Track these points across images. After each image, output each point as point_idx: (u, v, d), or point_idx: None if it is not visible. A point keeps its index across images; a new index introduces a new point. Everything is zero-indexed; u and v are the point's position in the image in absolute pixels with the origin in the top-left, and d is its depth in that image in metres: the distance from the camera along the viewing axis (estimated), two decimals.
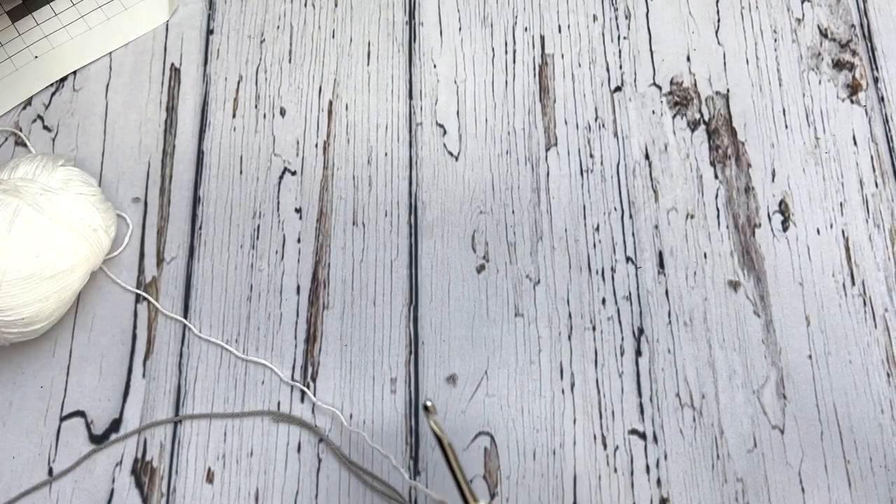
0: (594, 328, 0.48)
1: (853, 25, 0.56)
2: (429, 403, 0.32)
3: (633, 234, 0.50)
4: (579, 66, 0.54)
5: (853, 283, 0.49)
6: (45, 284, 0.42)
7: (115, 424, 0.45)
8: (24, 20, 0.54)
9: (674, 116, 0.53)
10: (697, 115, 0.53)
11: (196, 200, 0.51)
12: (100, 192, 0.46)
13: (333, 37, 0.55)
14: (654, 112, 0.53)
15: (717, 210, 0.51)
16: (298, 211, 0.51)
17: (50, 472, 0.44)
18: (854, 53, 0.55)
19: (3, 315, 0.42)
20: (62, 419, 0.45)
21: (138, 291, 0.48)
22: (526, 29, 0.55)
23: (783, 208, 0.51)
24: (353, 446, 0.45)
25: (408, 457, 0.45)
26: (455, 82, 0.54)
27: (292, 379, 0.46)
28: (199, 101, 0.53)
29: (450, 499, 0.41)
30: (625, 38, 0.55)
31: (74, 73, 0.54)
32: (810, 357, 0.48)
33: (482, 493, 0.44)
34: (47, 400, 0.46)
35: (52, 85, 0.53)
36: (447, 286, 0.49)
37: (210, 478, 0.44)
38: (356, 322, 0.48)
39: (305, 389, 0.46)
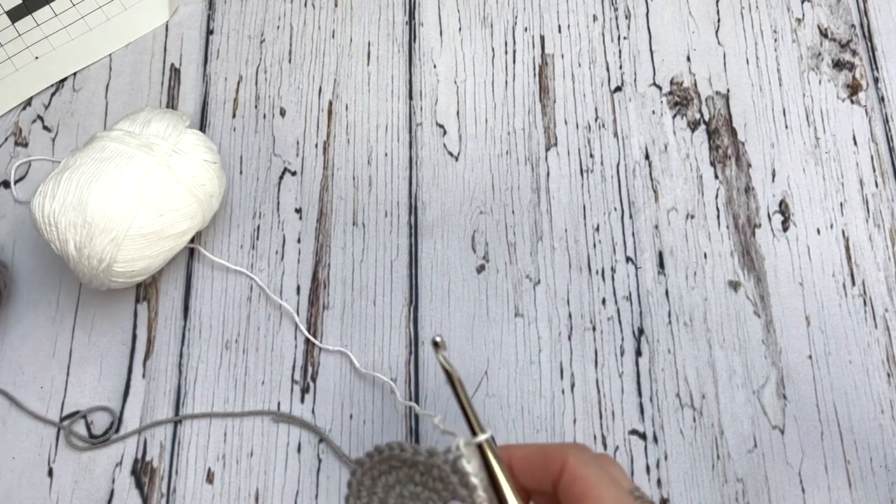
0: (594, 328, 0.48)
1: (853, 25, 0.56)
2: (438, 339, 0.32)
3: (633, 234, 0.50)
4: (579, 66, 0.54)
5: (853, 283, 0.49)
6: (160, 243, 0.44)
7: (115, 424, 0.45)
8: (24, 20, 0.54)
9: (674, 116, 0.53)
10: (697, 115, 0.53)
11: None
12: (219, 160, 0.47)
13: (333, 37, 0.55)
14: (654, 112, 0.53)
15: (717, 210, 0.51)
16: (298, 211, 0.51)
17: (50, 472, 0.44)
18: (854, 53, 0.55)
19: (118, 265, 0.43)
20: (62, 419, 0.45)
21: (241, 269, 0.48)
22: (526, 29, 0.55)
23: (783, 208, 0.51)
24: (353, 445, 0.45)
25: None
26: (455, 82, 0.54)
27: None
28: (199, 101, 0.53)
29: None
30: (625, 38, 0.55)
31: (74, 73, 0.54)
32: (810, 357, 0.48)
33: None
34: (47, 400, 0.46)
35: (52, 85, 0.53)
36: (447, 286, 0.49)
37: (210, 478, 0.44)
38: (356, 322, 0.48)
39: (419, 407, 0.46)
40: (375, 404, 0.46)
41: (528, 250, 0.50)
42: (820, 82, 0.54)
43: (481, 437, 0.31)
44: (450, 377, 0.33)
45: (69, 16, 0.54)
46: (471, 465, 0.31)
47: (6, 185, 0.51)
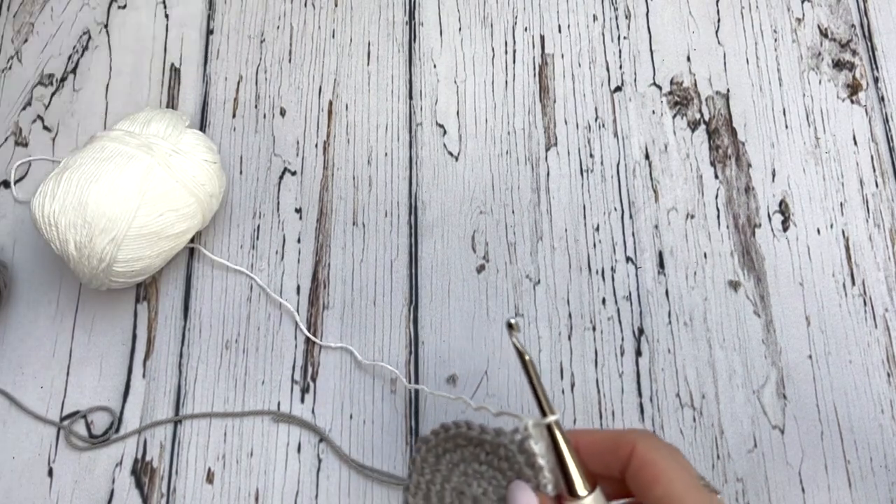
0: (594, 328, 0.48)
1: (853, 25, 0.56)
2: (513, 321, 0.32)
3: (633, 234, 0.50)
4: (579, 66, 0.54)
5: (853, 283, 0.49)
6: (160, 243, 0.44)
7: (115, 424, 0.45)
8: None
9: (674, 116, 0.53)
10: (697, 115, 0.53)
11: None
12: (219, 159, 0.47)
13: (333, 37, 0.55)
14: (654, 112, 0.53)
15: (718, 210, 0.51)
16: (298, 211, 0.51)
17: (50, 472, 0.44)
18: (854, 53, 0.55)
19: (118, 265, 0.43)
20: (62, 419, 0.45)
21: (241, 269, 0.48)
22: (526, 29, 0.55)
23: (783, 208, 0.51)
24: (353, 445, 0.45)
25: (408, 457, 0.45)
26: (455, 82, 0.54)
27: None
28: (199, 101, 0.53)
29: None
30: (625, 38, 0.55)
31: (74, 72, 0.54)
32: (810, 357, 0.48)
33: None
34: (47, 400, 0.46)
35: (52, 84, 0.53)
36: (447, 286, 0.49)
37: (210, 478, 0.44)
38: (356, 322, 0.48)
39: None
40: (375, 404, 0.46)
41: (528, 250, 0.50)
42: (820, 82, 0.54)
43: (551, 418, 0.31)
44: (522, 358, 0.32)
45: None
46: (538, 447, 0.31)
47: (6, 185, 0.51)
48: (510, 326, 0.32)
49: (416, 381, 0.47)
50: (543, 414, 0.31)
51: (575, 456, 0.31)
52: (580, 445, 0.32)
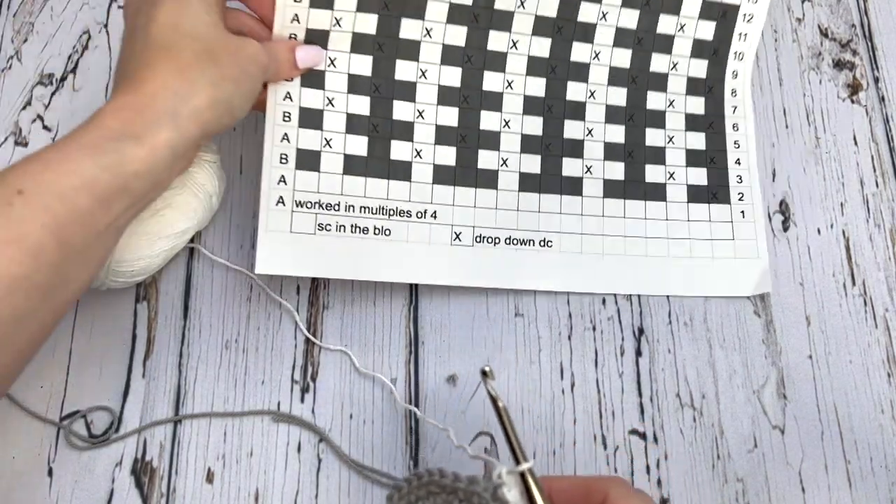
0: (594, 328, 0.48)
1: (853, 25, 0.56)
2: (487, 369, 0.33)
3: None
4: None
5: (853, 283, 0.49)
6: (159, 242, 0.44)
7: (115, 424, 0.45)
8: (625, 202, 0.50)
9: None
10: None
11: None
12: (219, 159, 0.47)
13: None
14: None
15: None
16: None
17: (50, 472, 0.44)
18: (854, 53, 0.55)
19: (116, 265, 0.43)
20: (62, 419, 0.45)
21: (241, 269, 0.48)
22: None
23: (783, 208, 0.51)
24: (353, 445, 0.45)
25: (408, 457, 0.45)
26: None
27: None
28: None
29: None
30: None
31: (74, 72, 0.54)
32: (810, 357, 0.48)
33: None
34: (47, 400, 0.46)
35: (52, 84, 0.53)
36: (447, 286, 0.49)
37: (210, 478, 0.44)
38: (356, 322, 0.48)
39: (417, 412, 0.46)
40: (375, 404, 0.46)
41: None
42: (820, 82, 0.54)
43: (525, 466, 0.31)
44: (496, 406, 0.33)
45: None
46: (511, 494, 0.31)
47: None
48: (484, 374, 0.33)
49: (417, 381, 0.47)
50: (517, 461, 0.31)
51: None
52: (553, 492, 0.32)
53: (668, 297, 0.49)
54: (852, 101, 0.54)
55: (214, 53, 0.38)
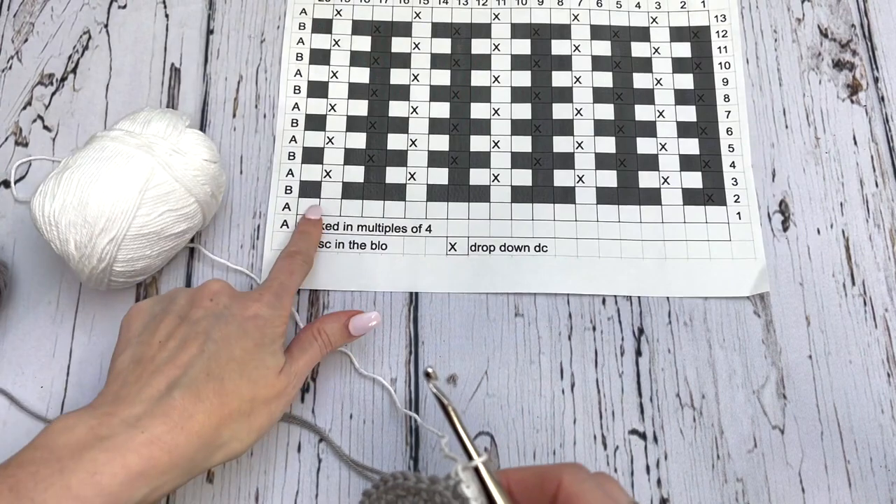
0: (594, 328, 0.48)
1: (853, 25, 0.56)
2: (430, 370, 0.34)
3: None
4: None
5: (853, 283, 0.49)
6: (160, 243, 0.44)
7: None
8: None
9: None
10: None
11: None
12: (219, 159, 0.47)
13: None
14: None
15: None
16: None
17: None
18: (854, 53, 0.55)
19: (117, 265, 0.43)
20: None
21: (241, 269, 0.48)
22: None
23: (783, 208, 0.51)
24: (353, 445, 0.45)
25: (408, 457, 0.45)
26: None
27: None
28: (199, 101, 0.53)
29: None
30: None
31: (74, 72, 0.54)
32: (810, 357, 0.48)
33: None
34: (47, 400, 0.46)
35: (52, 84, 0.53)
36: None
37: (210, 477, 0.44)
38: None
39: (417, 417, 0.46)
40: (375, 404, 0.46)
41: None
42: (820, 82, 0.54)
43: (476, 462, 0.32)
44: (443, 406, 0.34)
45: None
46: (470, 490, 0.32)
47: (6, 184, 0.51)
48: (427, 375, 0.34)
49: (417, 381, 0.47)
50: (469, 457, 0.33)
51: (505, 496, 0.32)
52: (510, 484, 0.33)
53: (667, 297, 0.49)
54: (852, 102, 0.54)
55: (255, 405, 0.38)
